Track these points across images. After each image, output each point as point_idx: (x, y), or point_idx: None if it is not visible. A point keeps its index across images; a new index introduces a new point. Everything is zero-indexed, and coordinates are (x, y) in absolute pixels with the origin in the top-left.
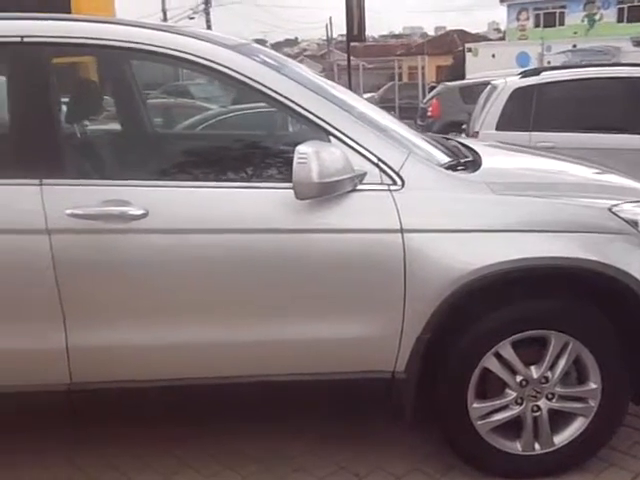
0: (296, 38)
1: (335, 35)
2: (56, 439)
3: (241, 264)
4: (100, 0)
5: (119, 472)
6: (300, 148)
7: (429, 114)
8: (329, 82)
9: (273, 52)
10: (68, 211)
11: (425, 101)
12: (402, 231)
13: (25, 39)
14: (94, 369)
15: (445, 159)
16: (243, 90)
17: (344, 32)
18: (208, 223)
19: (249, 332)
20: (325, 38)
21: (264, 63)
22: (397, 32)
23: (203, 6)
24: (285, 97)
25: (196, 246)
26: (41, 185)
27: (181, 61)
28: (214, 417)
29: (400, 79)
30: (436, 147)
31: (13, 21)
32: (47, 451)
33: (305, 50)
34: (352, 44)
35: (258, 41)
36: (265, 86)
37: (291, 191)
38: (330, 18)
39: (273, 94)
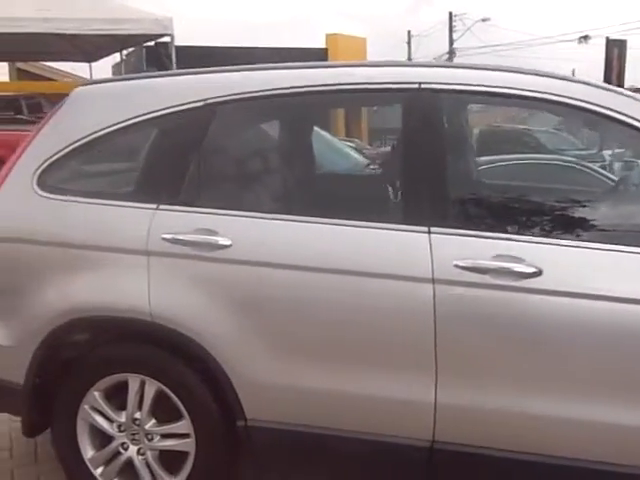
0: None
1: None
2: None
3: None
4: (354, 51)
5: None
6: None
7: None
8: None
9: None
10: (456, 262)
11: None
12: None
13: (422, 85)
14: (460, 430)
15: None
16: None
17: None
18: (604, 290)
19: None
20: None
21: None
22: None
23: (447, 55)
24: None
25: (590, 313)
26: (429, 233)
27: (575, 109)
28: None
29: None
30: None
31: (412, 68)
32: None
33: None
34: None
35: None
36: None
37: None
38: (573, 70)
39: None
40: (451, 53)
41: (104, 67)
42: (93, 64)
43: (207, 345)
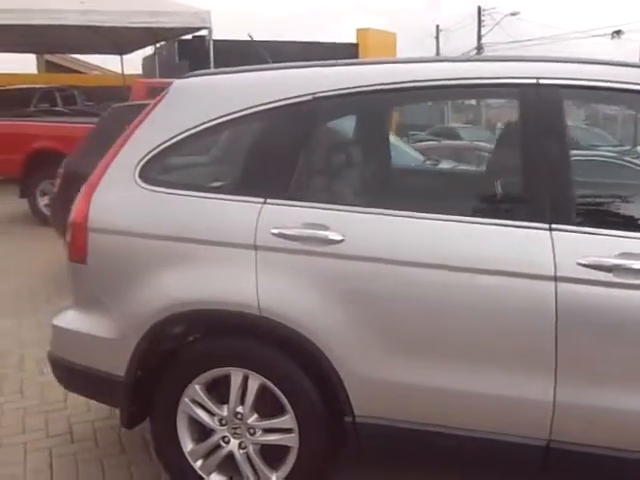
0: None
1: None
2: None
3: None
4: (385, 47)
5: None
6: None
7: None
8: None
9: None
10: (579, 260)
11: None
12: None
13: (540, 81)
14: (578, 429)
15: None
16: None
17: None
18: None
19: None
20: None
21: None
22: None
23: (475, 51)
24: None
25: None
26: (550, 230)
27: None
28: None
29: None
30: None
31: (528, 63)
32: None
33: None
34: None
35: None
36: None
37: None
38: None
39: None
40: (479, 48)
41: (133, 60)
42: (123, 57)
43: (316, 340)
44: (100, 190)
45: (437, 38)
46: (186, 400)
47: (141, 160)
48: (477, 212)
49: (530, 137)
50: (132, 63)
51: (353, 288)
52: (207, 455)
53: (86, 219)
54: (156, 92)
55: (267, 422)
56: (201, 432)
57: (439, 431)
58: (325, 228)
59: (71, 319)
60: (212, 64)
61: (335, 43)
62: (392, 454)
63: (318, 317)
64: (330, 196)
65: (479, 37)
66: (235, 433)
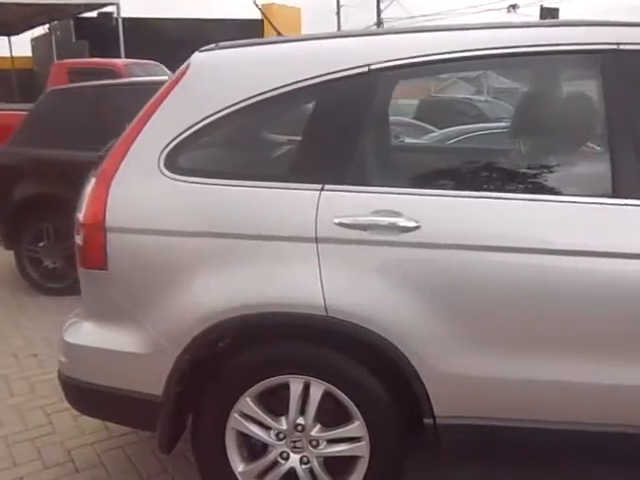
0: None
1: None
2: None
3: None
4: (289, 23)
5: None
6: None
7: None
8: None
9: None
10: None
11: None
12: None
13: (621, 46)
14: None
15: None
16: None
17: None
18: None
19: None
20: None
21: None
22: None
23: (374, 26)
24: None
25: None
26: None
27: None
28: None
29: None
30: None
31: (609, 27)
32: None
33: None
34: None
35: None
36: None
37: None
38: None
39: None
40: (379, 24)
41: (18, 41)
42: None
43: (392, 338)
44: (116, 183)
45: (338, 14)
46: (236, 415)
47: (166, 147)
48: (567, 191)
49: (618, 108)
50: (18, 44)
51: (432, 279)
52: (263, 474)
53: (102, 218)
54: (80, 74)
55: (333, 432)
56: (250, 450)
57: (535, 427)
58: (396, 215)
59: (88, 334)
60: (122, 43)
61: (237, 19)
62: (473, 454)
63: (393, 313)
64: (398, 179)
65: (378, 12)
66: (295, 447)
